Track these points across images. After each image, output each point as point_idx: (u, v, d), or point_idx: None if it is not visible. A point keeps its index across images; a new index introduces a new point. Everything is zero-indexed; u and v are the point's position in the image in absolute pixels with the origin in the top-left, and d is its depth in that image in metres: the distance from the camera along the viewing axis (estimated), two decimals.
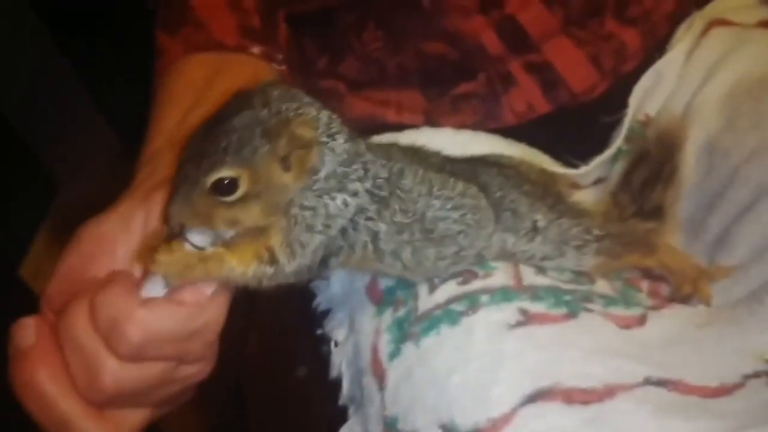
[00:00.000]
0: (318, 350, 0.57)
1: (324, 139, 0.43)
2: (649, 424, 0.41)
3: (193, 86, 0.56)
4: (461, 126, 0.60)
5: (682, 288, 0.52)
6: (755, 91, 0.57)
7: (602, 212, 0.55)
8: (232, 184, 0.41)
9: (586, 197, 0.60)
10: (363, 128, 0.48)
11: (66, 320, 0.42)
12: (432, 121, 0.63)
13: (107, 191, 0.49)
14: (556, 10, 0.63)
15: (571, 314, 0.47)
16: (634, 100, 0.61)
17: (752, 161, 0.54)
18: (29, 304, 0.46)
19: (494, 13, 0.62)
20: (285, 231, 0.42)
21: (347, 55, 0.65)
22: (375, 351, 0.49)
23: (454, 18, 0.62)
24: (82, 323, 0.41)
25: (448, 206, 0.47)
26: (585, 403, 0.42)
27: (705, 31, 0.64)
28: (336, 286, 0.56)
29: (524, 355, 0.43)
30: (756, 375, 0.45)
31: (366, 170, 0.44)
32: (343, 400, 0.54)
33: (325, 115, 0.43)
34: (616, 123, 0.62)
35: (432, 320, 0.47)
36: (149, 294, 0.42)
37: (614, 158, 0.61)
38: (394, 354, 0.47)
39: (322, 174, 0.42)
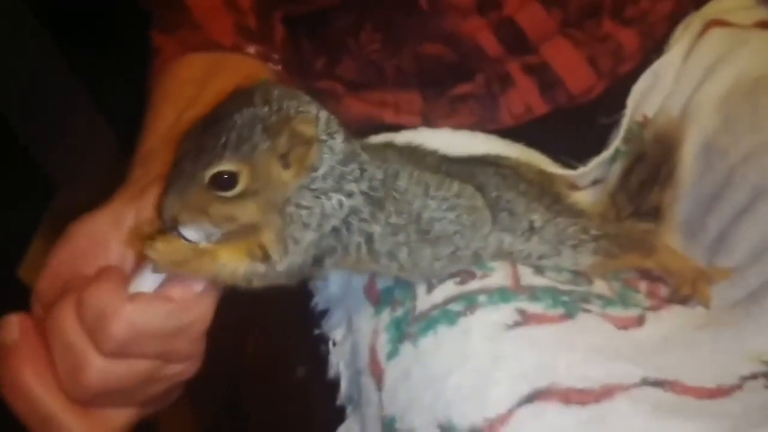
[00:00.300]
0: (316, 350, 0.57)
1: (323, 137, 0.43)
2: (646, 425, 0.41)
3: (189, 86, 0.56)
4: (459, 127, 0.60)
5: (681, 289, 0.52)
6: (753, 92, 0.57)
7: (600, 213, 0.56)
8: (231, 179, 0.40)
9: (584, 198, 0.60)
10: (360, 129, 0.49)
11: (53, 316, 0.41)
12: (429, 122, 0.63)
13: (106, 192, 0.49)
14: (554, 12, 0.63)
15: (569, 315, 0.47)
16: (631, 101, 0.61)
17: (750, 162, 0.54)
18: (28, 305, 0.46)
19: (492, 15, 0.62)
20: (279, 229, 0.42)
21: (344, 56, 0.65)
22: (373, 351, 0.49)
23: (452, 19, 0.62)
24: (69, 320, 0.41)
25: (444, 207, 0.47)
26: (582, 403, 0.42)
27: (702, 32, 0.64)
28: (334, 286, 0.56)
29: (522, 356, 0.44)
30: (753, 377, 0.45)
31: (362, 170, 0.44)
32: (341, 399, 0.54)
33: (324, 114, 0.43)
34: (614, 124, 0.62)
35: (430, 320, 0.47)
36: (137, 289, 0.42)
37: (612, 159, 0.61)
38: (392, 354, 0.47)
39: (320, 173, 0.42)
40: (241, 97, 0.42)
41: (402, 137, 0.55)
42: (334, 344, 0.55)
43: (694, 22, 0.65)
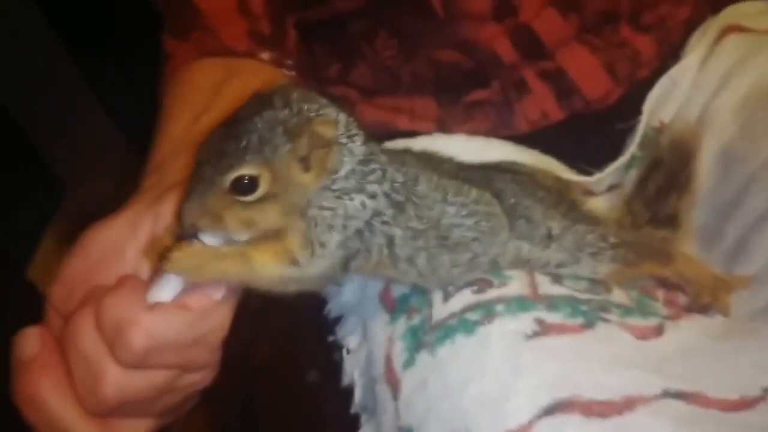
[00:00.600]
0: (330, 357, 0.57)
1: (343, 140, 0.42)
2: None
3: (203, 92, 0.56)
4: (474, 133, 0.59)
5: (701, 298, 0.52)
6: None
7: (616, 219, 0.55)
8: (252, 183, 0.40)
9: (600, 204, 0.59)
10: (375, 135, 0.48)
11: (70, 327, 0.41)
12: (445, 128, 0.63)
13: (115, 193, 0.49)
14: (571, 18, 0.63)
15: (588, 324, 0.46)
16: (648, 107, 0.61)
17: None
18: (37, 305, 0.46)
19: (508, 21, 0.62)
20: (303, 232, 0.42)
21: (359, 62, 0.64)
22: (389, 359, 0.49)
23: (468, 26, 0.61)
24: (86, 330, 0.40)
25: (463, 213, 0.47)
26: (604, 415, 0.41)
27: (720, 38, 0.63)
28: (348, 293, 0.55)
29: (541, 367, 0.43)
30: None
31: (384, 172, 0.43)
32: (355, 408, 0.54)
33: (343, 116, 0.43)
34: (630, 130, 0.62)
35: (447, 329, 0.46)
36: (156, 298, 0.42)
37: (628, 165, 0.61)
38: (408, 363, 0.47)
39: (341, 174, 0.42)
40: (260, 100, 0.42)
41: (417, 143, 0.55)
42: (348, 352, 0.55)
43: (711, 27, 0.65)
